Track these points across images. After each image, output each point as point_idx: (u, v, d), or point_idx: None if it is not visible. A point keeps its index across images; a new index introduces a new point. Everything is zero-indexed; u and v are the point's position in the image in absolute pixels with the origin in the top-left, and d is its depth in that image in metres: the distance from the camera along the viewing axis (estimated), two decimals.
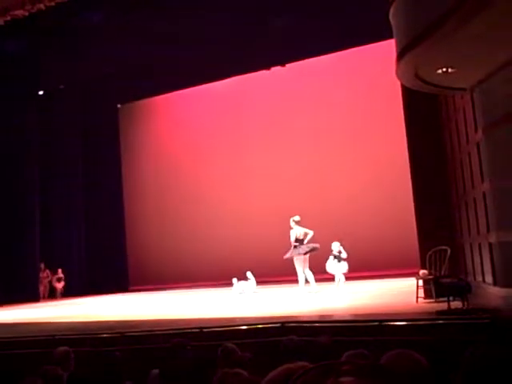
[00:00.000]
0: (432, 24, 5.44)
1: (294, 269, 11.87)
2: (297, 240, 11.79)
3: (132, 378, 4.91)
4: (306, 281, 11.77)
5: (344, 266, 11.30)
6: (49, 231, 18.16)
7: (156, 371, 4.86)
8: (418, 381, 1.86)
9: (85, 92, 18.79)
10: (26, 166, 17.74)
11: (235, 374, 2.93)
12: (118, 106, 19.89)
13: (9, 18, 12.94)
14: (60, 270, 17.76)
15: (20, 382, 3.33)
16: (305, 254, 11.69)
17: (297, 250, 11.72)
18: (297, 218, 12.02)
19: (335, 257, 11.22)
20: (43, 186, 18.09)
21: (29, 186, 17.70)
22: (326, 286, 12.01)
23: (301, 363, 1.60)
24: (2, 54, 16.00)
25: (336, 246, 11.28)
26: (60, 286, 17.76)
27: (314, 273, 11.78)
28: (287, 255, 11.87)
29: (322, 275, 12.25)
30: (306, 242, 11.80)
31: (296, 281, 11.87)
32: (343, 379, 0.99)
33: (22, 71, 16.82)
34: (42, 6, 12.41)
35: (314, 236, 11.96)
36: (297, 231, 11.85)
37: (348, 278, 13.91)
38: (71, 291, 17.49)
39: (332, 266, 11.28)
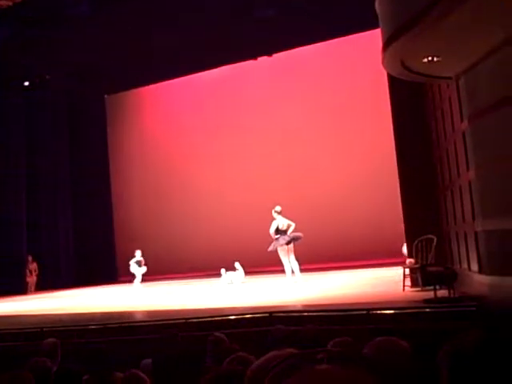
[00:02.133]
0: (417, 13, 5.45)
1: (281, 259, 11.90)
2: (279, 231, 11.81)
3: (121, 370, 4.91)
4: (293, 271, 11.81)
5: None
6: (36, 223, 18.06)
7: (148, 361, 4.88)
8: (398, 367, 1.88)
9: (71, 82, 18.68)
10: (12, 156, 17.62)
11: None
12: (105, 96, 19.79)
13: None
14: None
15: (8, 374, 3.32)
16: (287, 243, 11.70)
17: (278, 242, 11.74)
18: (278, 208, 12.04)
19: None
20: (29, 177, 17.97)
21: (15, 177, 17.58)
22: (312, 276, 12.07)
23: (288, 350, 1.62)
24: None
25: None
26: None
27: (299, 262, 11.82)
28: (270, 248, 11.88)
29: (309, 265, 12.31)
30: (289, 232, 11.82)
31: (283, 271, 11.91)
32: (318, 367, 1.00)
33: (7, 61, 16.68)
34: None
35: (299, 227, 11.99)
36: (279, 222, 11.87)
37: (336, 267, 14.01)
38: (60, 283, 17.42)
39: None
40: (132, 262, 14.53)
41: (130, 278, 17.60)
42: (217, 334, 4.81)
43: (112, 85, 18.69)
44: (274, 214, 12.00)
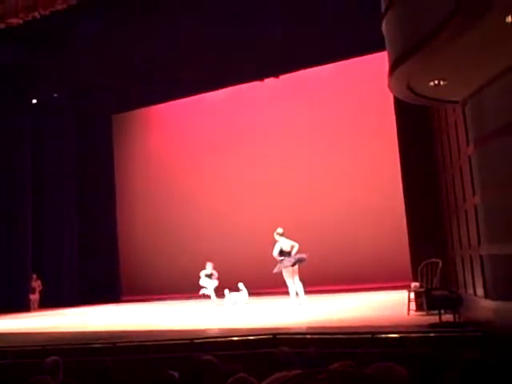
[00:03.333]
0: (424, 36, 5.47)
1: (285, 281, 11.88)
2: (283, 253, 11.81)
3: None
4: (297, 293, 11.78)
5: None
6: (41, 241, 18.07)
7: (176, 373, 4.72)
8: None
9: (79, 101, 18.81)
10: (19, 175, 17.67)
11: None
12: (112, 116, 19.90)
13: (3, 25, 12.94)
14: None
15: None
16: (292, 265, 11.70)
17: (283, 263, 11.73)
18: (280, 230, 12.06)
19: None
20: (36, 196, 18.01)
21: (21, 196, 17.63)
22: (317, 298, 12.02)
23: (293, 371, 1.61)
24: None
25: None
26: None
27: (304, 284, 11.81)
28: (276, 269, 11.87)
29: (313, 287, 12.27)
30: (293, 253, 11.82)
31: (287, 293, 11.88)
32: None
33: (16, 79, 16.83)
34: (36, 14, 12.40)
35: (303, 248, 11.99)
36: (282, 244, 11.87)
37: (340, 290, 13.94)
38: (63, 301, 17.37)
39: None
40: (202, 275, 14.04)
41: (133, 297, 17.60)
42: (206, 357, 4.68)
43: (119, 104, 18.79)
44: (276, 237, 12.00)
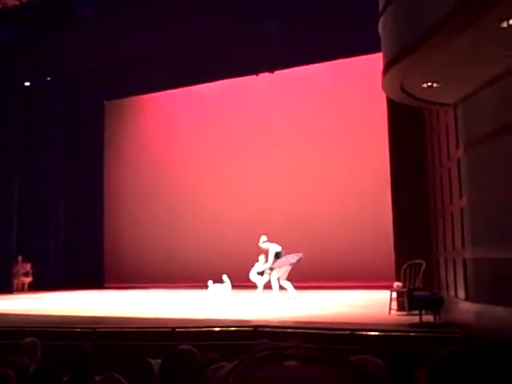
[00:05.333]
0: (419, 37, 5.48)
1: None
2: (278, 254, 11.87)
3: (100, 374, 4.87)
4: (281, 287, 11.84)
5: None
6: (26, 225, 17.99)
7: (158, 361, 4.72)
8: (374, 376, 1.88)
9: (72, 85, 18.71)
10: (8, 158, 17.58)
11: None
12: (105, 102, 19.82)
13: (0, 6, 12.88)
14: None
15: None
16: (295, 262, 11.79)
17: (288, 260, 11.75)
18: (265, 237, 12.14)
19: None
20: (24, 179, 17.93)
21: (9, 180, 17.55)
22: (301, 294, 12.06)
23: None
24: None
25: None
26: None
27: (290, 280, 11.89)
28: (285, 267, 11.85)
29: (298, 283, 12.31)
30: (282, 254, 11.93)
31: (271, 287, 11.95)
32: (287, 363, 1.00)
33: (9, 61, 16.71)
34: None
35: (291, 245, 12.09)
36: (275, 247, 11.92)
37: (324, 287, 14.01)
38: (45, 285, 17.33)
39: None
40: (258, 270, 12.72)
41: (117, 284, 17.56)
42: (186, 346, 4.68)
43: (112, 91, 18.71)
44: (263, 245, 12.04)
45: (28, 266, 17.67)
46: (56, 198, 18.69)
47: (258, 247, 12.25)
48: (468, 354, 1.46)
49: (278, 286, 11.83)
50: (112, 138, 19.67)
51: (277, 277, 11.85)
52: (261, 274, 12.55)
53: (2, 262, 16.93)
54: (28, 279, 17.64)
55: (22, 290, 17.27)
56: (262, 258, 12.55)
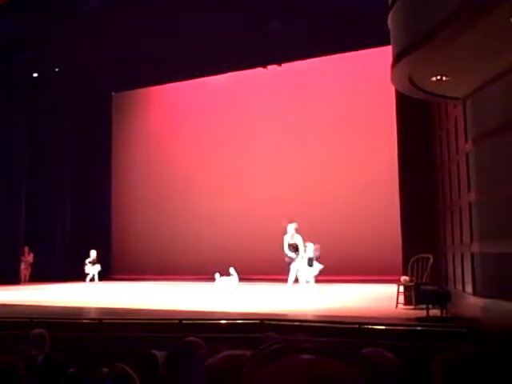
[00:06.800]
0: (429, 31, 5.46)
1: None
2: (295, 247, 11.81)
3: (107, 365, 4.89)
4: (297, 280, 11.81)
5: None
6: (34, 215, 18.07)
7: (163, 353, 4.74)
8: (387, 372, 1.88)
9: (80, 77, 18.68)
10: (15, 149, 17.63)
11: None
12: (113, 93, 19.82)
13: None
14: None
15: None
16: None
17: (315, 268, 11.76)
18: (295, 225, 12.03)
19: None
20: (31, 171, 17.98)
21: (16, 171, 17.62)
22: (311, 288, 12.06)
23: (239, 351, 1.62)
24: None
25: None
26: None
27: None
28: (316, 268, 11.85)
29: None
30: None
31: (278, 280, 11.93)
32: (302, 356, 0.99)
33: (17, 52, 16.72)
34: None
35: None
36: (300, 240, 11.87)
37: (333, 281, 13.99)
38: (54, 276, 17.40)
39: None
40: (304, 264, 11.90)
41: (124, 275, 17.62)
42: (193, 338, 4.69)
43: (120, 83, 18.69)
44: (293, 231, 11.90)
45: (32, 257, 17.77)
46: (63, 189, 18.73)
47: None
48: (482, 349, 1.45)
49: (294, 278, 11.79)
50: (120, 129, 19.68)
51: (297, 268, 11.78)
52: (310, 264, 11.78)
53: (9, 253, 17.01)
54: (29, 269, 17.74)
55: (29, 280, 17.36)
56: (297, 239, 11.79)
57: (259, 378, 0.99)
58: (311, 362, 0.98)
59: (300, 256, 11.66)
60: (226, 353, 1.59)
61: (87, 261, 16.22)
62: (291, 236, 11.76)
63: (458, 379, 1.33)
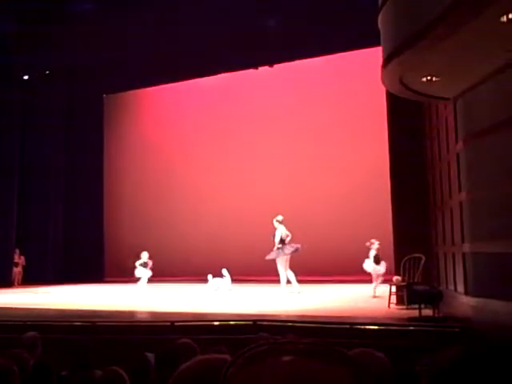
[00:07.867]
0: (419, 31, 5.48)
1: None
2: (281, 240, 11.83)
3: (100, 368, 4.88)
4: (288, 281, 11.84)
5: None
6: (26, 217, 18.02)
7: (151, 355, 4.75)
8: (379, 373, 1.88)
9: (71, 79, 18.63)
10: (6, 150, 17.57)
11: None
12: (104, 95, 19.77)
13: None
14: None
15: None
16: (291, 253, 11.76)
17: (281, 251, 11.74)
18: (280, 217, 12.05)
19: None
20: (22, 173, 17.93)
21: (7, 173, 17.55)
22: (302, 288, 12.07)
23: (216, 355, 1.62)
24: None
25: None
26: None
27: (295, 273, 11.87)
28: (271, 256, 11.87)
29: (301, 277, 12.30)
30: (286, 242, 11.86)
31: (277, 281, 11.94)
32: (284, 358, 0.99)
33: (8, 54, 16.66)
34: None
35: (292, 238, 12.06)
36: (282, 231, 11.88)
37: (325, 281, 14.01)
38: (46, 279, 17.33)
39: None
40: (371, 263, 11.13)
41: (117, 278, 17.55)
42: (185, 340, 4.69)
43: (111, 84, 18.63)
44: (275, 224, 11.98)
45: (23, 259, 17.68)
46: (55, 192, 18.67)
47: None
48: (469, 350, 1.46)
49: (285, 278, 11.82)
50: (111, 130, 19.63)
51: (281, 267, 11.82)
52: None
53: (1, 256, 16.95)
54: (21, 272, 17.64)
55: (20, 283, 17.28)
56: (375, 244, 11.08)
57: (239, 381, 0.99)
58: (292, 363, 0.98)
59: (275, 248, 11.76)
60: (201, 357, 1.59)
61: (137, 263, 14.26)
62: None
63: (445, 380, 1.34)
